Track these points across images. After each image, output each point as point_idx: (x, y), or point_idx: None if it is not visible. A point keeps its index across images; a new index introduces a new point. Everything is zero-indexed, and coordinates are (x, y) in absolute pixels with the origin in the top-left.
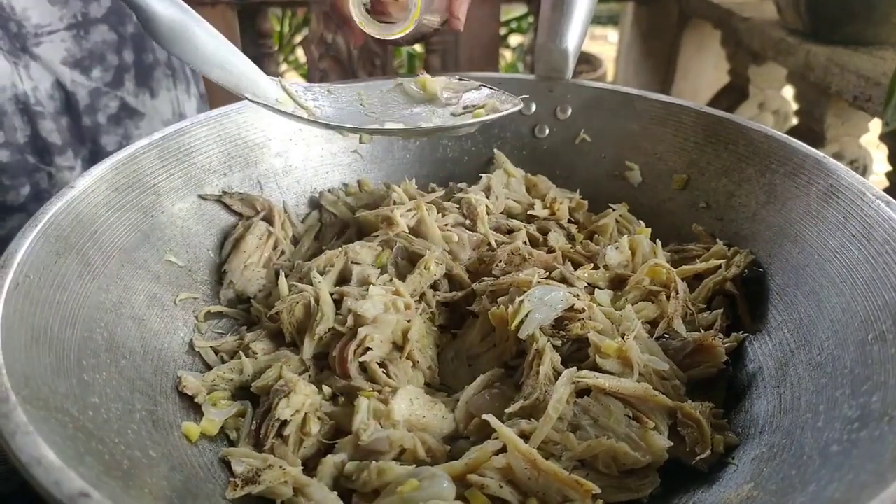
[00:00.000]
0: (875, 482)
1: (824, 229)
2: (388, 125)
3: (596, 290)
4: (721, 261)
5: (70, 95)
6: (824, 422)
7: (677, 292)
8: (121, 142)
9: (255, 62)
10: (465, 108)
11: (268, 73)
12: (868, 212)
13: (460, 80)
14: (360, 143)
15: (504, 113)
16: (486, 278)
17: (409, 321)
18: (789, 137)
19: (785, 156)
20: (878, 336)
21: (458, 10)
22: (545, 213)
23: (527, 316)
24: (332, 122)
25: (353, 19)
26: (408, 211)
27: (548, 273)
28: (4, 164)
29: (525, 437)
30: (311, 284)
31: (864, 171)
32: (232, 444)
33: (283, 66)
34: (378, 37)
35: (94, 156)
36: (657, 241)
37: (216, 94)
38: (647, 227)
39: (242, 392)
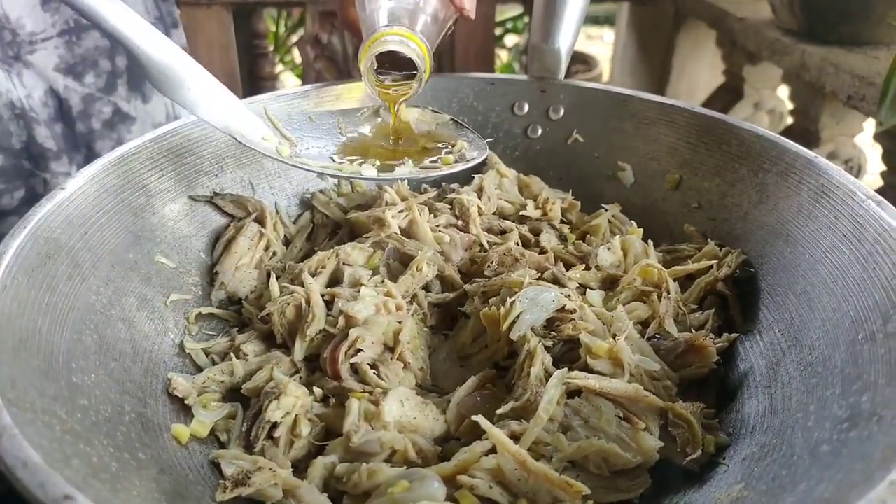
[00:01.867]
0: (864, 481)
1: (816, 229)
2: (366, 166)
3: (588, 290)
4: (713, 261)
5: (63, 102)
6: (814, 421)
7: (669, 293)
8: (115, 147)
9: (250, 63)
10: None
11: (263, 75)
12: (859, 211)
13: (433, 111)
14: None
15: (470, 164)
16: (478, 279)
17: (400, 322)
18: (781, 137)
19: (776, 155)
20: (869, 336)
21: (466, 10)
22: (537, 213)
23: (518, 317)
24: (313, 159)
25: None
26: (400, 212)
27: (539, 274)
28: None
29: (516, 438)
30: (303, 286)
31: (859, 171)
32: (222, 446)
33: (279, 67)
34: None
35: (89, 161)
36: (649, 241)
37: None
38: (639, 227)
39: (233, 394)
